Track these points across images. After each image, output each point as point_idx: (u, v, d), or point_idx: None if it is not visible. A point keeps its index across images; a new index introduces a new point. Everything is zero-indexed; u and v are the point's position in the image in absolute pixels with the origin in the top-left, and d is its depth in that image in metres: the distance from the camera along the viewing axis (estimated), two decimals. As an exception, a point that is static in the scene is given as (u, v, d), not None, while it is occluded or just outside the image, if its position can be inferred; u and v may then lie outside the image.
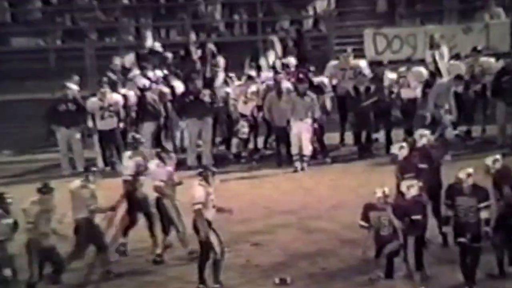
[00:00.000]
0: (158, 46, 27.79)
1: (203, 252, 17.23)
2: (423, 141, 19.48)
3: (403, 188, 17.51)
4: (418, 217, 17.09)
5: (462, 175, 16.98)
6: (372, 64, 25.80)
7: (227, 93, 24.66)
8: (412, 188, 17.38)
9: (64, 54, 30.10)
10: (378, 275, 17.38)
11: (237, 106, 24.37)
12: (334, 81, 25.03)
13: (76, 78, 24.86)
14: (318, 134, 23.96)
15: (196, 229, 17.17)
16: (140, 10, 30.95)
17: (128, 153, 19.74)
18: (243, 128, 24.08)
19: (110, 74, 25.41)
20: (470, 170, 17.06)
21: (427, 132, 19.92)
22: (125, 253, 18.89)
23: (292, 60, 26.01)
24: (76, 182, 18.28)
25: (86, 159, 24.02)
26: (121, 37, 30.48)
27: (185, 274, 17.70)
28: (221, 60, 26.64)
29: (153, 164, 18.73)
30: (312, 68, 25.19)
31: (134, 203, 18.78)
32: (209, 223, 17.10)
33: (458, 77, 24.14)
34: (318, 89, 24.30)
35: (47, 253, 17.33)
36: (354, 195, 19.82)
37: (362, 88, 24.47)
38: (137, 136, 20.79)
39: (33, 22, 31.13)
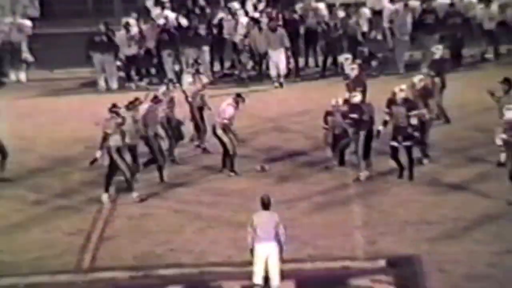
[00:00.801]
0: None
1: (224, 150, 17.62)
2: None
3: (351, 97, 17.57)
4: (355, 115, 17.04)
5: (396, 89, 17.12)
6: (329, 6, 25.39)
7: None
8: (355, 97, 17.43)
9: None
10: (333, 163, 17.72)
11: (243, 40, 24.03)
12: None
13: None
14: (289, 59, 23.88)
15: (216, 135, 17.55)
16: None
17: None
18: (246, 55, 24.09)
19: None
20: (403, 86, 17.21)
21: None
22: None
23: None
24: None
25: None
26: None
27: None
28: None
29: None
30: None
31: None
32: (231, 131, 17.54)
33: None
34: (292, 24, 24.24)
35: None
36: (316, 105, 19.63)
37: (332, 23, 24.24)
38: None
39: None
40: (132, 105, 17.21)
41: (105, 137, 16.61)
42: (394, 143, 16.93)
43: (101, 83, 24.20)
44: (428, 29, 24.02)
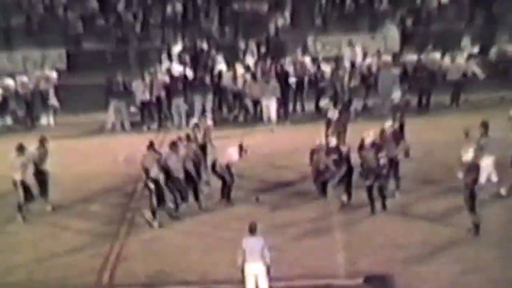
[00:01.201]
0: (178, 50, 27.68)
1: (223, 184, 17.65)
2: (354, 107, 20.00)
3: (328, 142, 17.58)
4: (335, 157, 17.12)
5: (364, 135, 17.01)
6: (313, 59, 25.40)
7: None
8: (332, 141, 17.49)
9: (116, 54, 29.67)
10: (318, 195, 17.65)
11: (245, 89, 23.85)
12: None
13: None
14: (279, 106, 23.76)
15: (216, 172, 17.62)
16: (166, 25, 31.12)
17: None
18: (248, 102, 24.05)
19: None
20: (371, 132, 17.05)
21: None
22: None
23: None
24: None
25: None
26: (153, 44, 30.27)
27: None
28: (218, 57, 26.50)
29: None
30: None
31: None
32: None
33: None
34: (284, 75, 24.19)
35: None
36: (303, 144, 19.25)
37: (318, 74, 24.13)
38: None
39: (97, 33, 30.82)
40: (174, 145, 17.39)
41: (146, 170, 16.76)
42: (368, 183, 16.82)
43: (117, 125, 24.04)
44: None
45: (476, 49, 25.47)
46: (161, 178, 16.88)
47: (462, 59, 24.34)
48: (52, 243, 16.43)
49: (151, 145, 17.37)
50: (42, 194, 17.93)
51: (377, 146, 16.79)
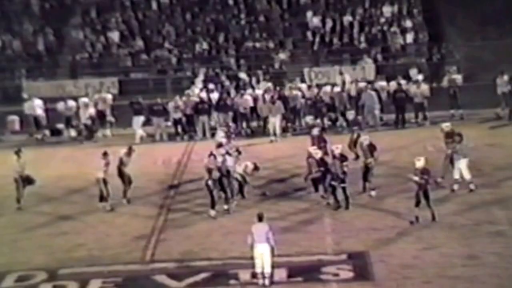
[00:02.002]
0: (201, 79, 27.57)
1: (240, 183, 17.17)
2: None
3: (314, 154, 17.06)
4: (321, 168, 16.66)
5: (333, 147, 16.72)
6: (309, 86, 25.28)
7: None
8: (317, 154, 16.95)
9: (157, 81, 29.77)
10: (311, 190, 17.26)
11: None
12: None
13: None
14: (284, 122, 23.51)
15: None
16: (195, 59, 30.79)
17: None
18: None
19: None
20: (339, 145, 16.71)
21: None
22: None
23: (269, 85, 25.29)
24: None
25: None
26: (185, 74, 30.04)
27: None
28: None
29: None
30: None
31: None
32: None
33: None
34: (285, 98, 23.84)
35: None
36: (301, 151, 19.08)
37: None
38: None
39: (142, 66, 30.73)
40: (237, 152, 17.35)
41: (210, 171, 16.40)
42: (334, 183, 16.38)
43: (157, 137, 23.91)
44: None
45: (421, 77, 25.02)
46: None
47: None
48: (106, 227, 16.36)
49: (211, 153, 16.86)
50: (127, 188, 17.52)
51: (342, 157, 16.41)
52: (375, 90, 23.92)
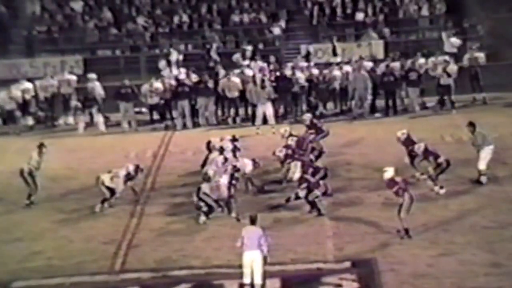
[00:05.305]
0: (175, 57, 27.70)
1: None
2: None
3: None
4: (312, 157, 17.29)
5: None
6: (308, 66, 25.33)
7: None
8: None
9: (128, 60, 29.96)
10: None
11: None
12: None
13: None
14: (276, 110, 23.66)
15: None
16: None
17: None
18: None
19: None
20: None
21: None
22: None
23: (259, 63, 25.55)
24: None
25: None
26: (161, 51, 30.12)
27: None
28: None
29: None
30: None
31: None
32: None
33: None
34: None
35: None
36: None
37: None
38: None
39: (111, 41, 30.94)
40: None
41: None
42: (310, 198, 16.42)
43: (124, 125, 24.00)
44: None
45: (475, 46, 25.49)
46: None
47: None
48: (67, 231, 16.31)
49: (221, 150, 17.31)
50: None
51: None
52: (370, 71, 24.00)
